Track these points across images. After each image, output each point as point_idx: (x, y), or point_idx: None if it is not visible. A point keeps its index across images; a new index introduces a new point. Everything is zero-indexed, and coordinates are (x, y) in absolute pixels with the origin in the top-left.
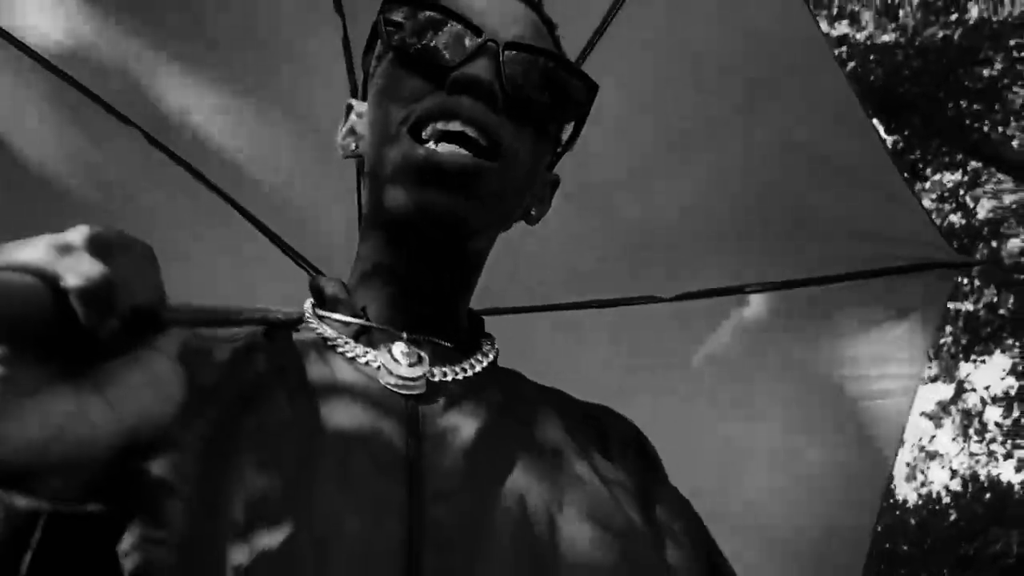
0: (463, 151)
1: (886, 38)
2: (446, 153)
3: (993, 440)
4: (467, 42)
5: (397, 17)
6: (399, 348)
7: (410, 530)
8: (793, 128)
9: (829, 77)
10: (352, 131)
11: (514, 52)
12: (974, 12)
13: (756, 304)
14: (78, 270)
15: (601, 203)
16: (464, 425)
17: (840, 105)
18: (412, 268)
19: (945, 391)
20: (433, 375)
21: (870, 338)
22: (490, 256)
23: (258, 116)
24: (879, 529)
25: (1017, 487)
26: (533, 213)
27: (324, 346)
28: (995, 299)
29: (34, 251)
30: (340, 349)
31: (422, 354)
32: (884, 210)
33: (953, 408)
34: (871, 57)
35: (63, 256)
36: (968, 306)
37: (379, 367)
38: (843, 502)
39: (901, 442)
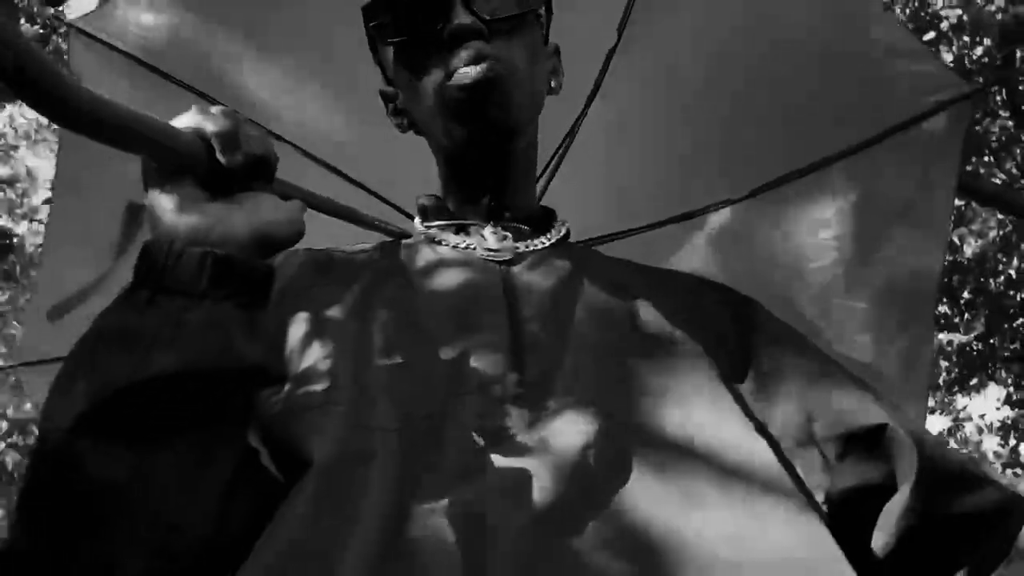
0: (478, 71)
1: None
2: (468, 83)
3: (993, 471)
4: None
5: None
6: (488, 231)
7: (512, 340)
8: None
9: None
10: (396, 111)
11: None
12: (948, 57)
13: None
14: (216, 122)
15: (639, 134)
16: (540, 278)
17: None
18: (481, 172)
19: (943, 423)
20: (516, 248)
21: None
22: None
23: (320, 95)
24: None
25: None
26: (553, 85)
27: (432, 242)
28: (984, 331)
29: (189, 115)
30: (444, 242)
31: (506, 234)
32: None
33: (952, 440)
34: None
35: (206, 116)
36: (960, 338)
37: (475, 247)
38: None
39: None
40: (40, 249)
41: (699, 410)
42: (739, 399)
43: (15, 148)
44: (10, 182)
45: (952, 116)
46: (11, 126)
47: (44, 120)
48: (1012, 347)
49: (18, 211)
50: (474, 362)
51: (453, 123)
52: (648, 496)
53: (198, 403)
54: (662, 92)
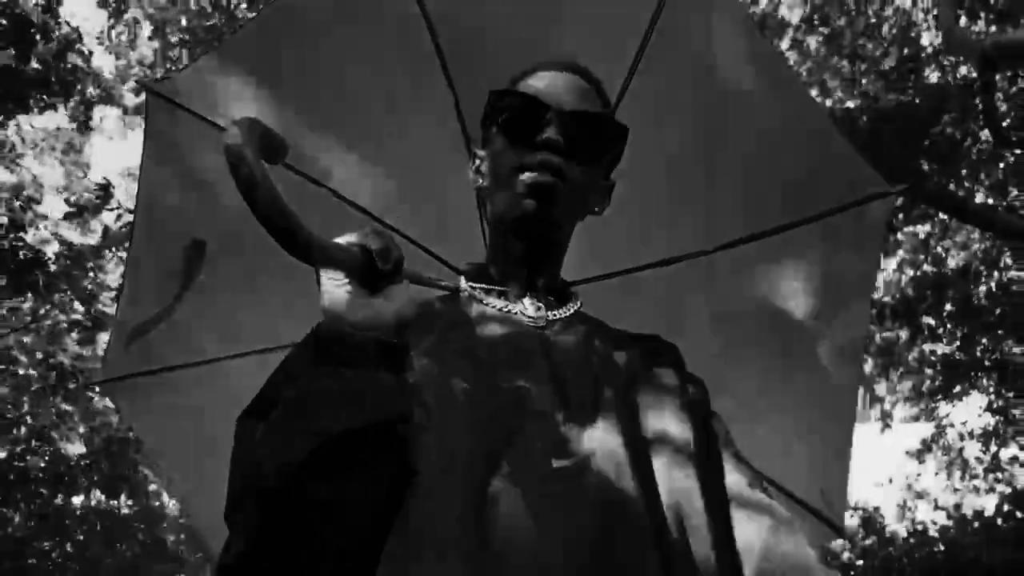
0: (544, 178)
1: (850, 104)
2: (531, 182)
3: (976, 476)
4: (542, 114)
5: (500, 103)
6: (528, 300)
7: (553, 382)
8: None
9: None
10: (478, 171)
11: (567, 117)
12: (933, 77)
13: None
14: (376, 240)
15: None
16: (568, 338)
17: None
18: (524, 251)
19: (927, 430)
20: (548, 316)
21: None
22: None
23: (385, 165)
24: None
25: (1000, 520)
26: (597, 210)
27: (477, 301)
28: (963, 341)
29: (356, 234)
30: (488, 303)
31: (540, 304)
32: (821, 160)
33: (935, 446)
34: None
35: (368, 235)
36: (944, 348)
37: (516, 312)
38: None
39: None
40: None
41: (673, 428)
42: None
43: (21, 156)
44: (16, 191)
45: (881, 207)
46: (18, 134)
47: (51, 127)
48: (993, 357)
49: (24, 219)
50: (531, 396)
51: (512, 204)
52: (661, 476)
53: (373, 442)
54: (650, 151)
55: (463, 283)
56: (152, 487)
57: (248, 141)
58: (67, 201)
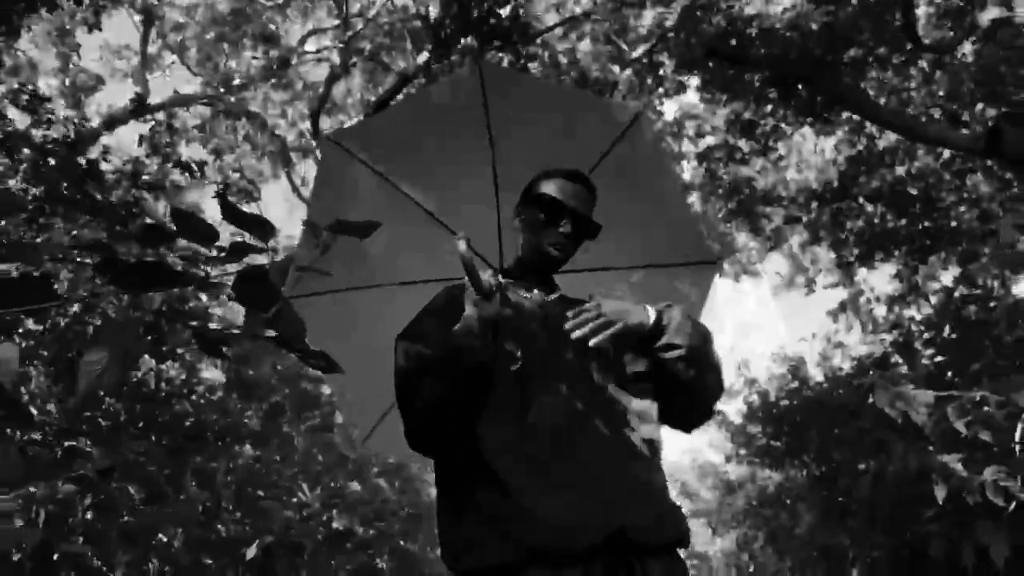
0: (560, 248)
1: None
2: (546, 250)
3: (883, 330)
4: (565, 210)
5: (540, 194)
6: (536, 290)
7: (549, 334)
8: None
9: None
10: (518, 215)
11: (579, 218)
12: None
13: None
14: (491, 277)
15: None
16: (557, 310)
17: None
18: (540, 270)
19: (844, 294)
20: (545, 299)
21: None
22: None
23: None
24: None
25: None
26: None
27: (512, 289)
28: (881, 217)
29: (487, 274)
30: (520, 291)
31: (542, 293)
32: (677, 225)
33: (850, 307)
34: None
35: (486, 273)
36: (861, 223)
37: (532, 296)
38: None
39: None
40: None
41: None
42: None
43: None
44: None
45: (711, 268)
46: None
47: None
48: (905, 231)
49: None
50: (539, 342)
51: (542, 250)
52: (605, 422)
53: (474, 367)
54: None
55: (501, 279)
56: None
57: (468, 252)
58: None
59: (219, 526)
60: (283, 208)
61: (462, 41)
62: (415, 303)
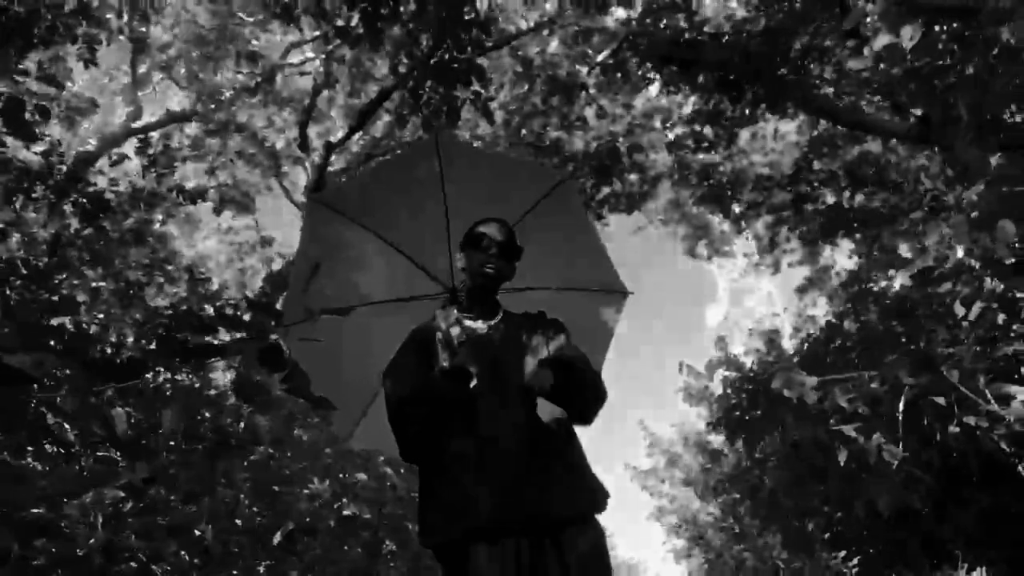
0: (491, 268)
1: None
2: (487, 269)
3: (847, 301)
4: (490, 245)
5: (472, 236)
6: (480, 319)
7: (493, 361)
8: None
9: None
10: (463, 260)
11: (502, 244)
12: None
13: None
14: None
15: None
16: (499, 334)
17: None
18: (481, 296)
19: (806, 271)
20: (490, 324)
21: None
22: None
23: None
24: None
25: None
26: (512, 279)
27: (458, 319)
28: (845, 197)
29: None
30: (466, 321)
31: (487, 320)
32: (595, 263)
33: (814, 287)
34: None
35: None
36: (821, 205)
37: (478, 326)
38: None
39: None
40: None
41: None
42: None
43: None
44: None
45: (619, 297)
46: None
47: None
48: (865, 209)
49: None
50: (499, 364)
51: (477, 276)
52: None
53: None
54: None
55: (455, 311)
56: None
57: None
58: None
59: (239, 520)
60: (274, 216)
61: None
62: (387, 317)
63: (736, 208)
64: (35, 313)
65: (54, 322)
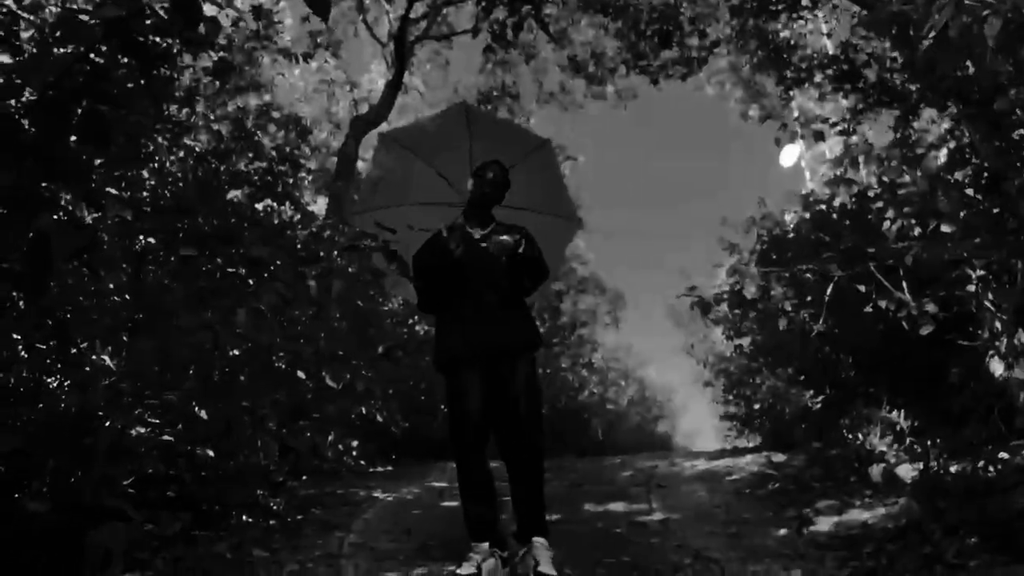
0: (488, 187)
1: None
2: (485, 187)
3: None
4: (484, 178)
5: (476, 173)
6: (478, 228)
7: (480, 251)
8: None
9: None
10: (469, 184)
11: (497, 173)
12: None
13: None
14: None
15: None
16: (489, 234)
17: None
18: (479, 209)
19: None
20: (484, 231)
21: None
22: None
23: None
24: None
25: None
26: (500, 202)
27: (461, 225)
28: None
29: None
30: (466, 228)
31: (482, 228)
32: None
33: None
34: None
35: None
36: (861, 84)
37: (474, 231)
38: None
39: None
40: None
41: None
42: None
43: None
44: None
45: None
46: None
47: None
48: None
49: None
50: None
51: (475, 196)
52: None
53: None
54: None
55: (459, 220)
56: None
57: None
58: None
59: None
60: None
61: None
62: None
63: (788, 74)
64: None
65: None
